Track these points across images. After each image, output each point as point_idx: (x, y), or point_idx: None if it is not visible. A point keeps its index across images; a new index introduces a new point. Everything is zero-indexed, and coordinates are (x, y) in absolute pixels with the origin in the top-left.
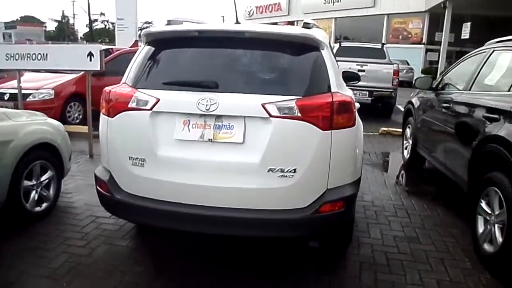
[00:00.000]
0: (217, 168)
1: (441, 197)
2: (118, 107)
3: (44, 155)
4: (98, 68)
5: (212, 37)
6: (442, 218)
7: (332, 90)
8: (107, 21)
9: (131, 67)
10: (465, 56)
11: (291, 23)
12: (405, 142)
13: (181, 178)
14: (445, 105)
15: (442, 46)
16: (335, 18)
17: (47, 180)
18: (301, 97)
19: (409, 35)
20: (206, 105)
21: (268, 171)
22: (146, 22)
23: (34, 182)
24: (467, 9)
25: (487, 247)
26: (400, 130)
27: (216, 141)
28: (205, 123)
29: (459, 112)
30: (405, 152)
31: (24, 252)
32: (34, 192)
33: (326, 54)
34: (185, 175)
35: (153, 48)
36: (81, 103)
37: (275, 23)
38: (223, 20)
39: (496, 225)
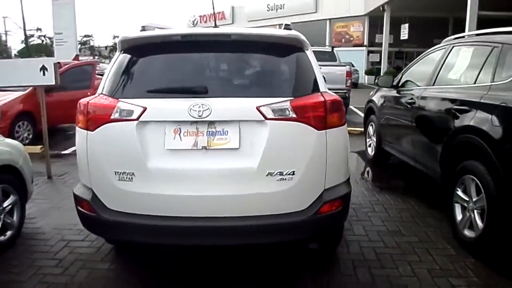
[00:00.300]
0: (214, 176)
1: (411, 190)
2: (99, 119)
3: (6, 179)
4: (53, 83)
5: (196, 41)
6: (418, 210)
7: (321, 90)
8: (44, 36)
9: (107, 76)
10: (423, 54)
11: None
12: (368, 140)
13: (176, 189)
14: (410, 101)
15: (383, 47)
16: (279, 24)
17: (10, 206)
18: (292, 98)
19: (351, 38)
20: (199, 111)
21: (267, 175)
22: (86, 36)
23: None
24: (404, 11)
25: (467, 233)
26: (358, 129)
27: (211, 148)
28: (197, 130)
29: (426, 107)
30: (369, 149)
31: None
32: None
33: (310, 54)
34: (179, 186)
35: (130, 55)
36: (30, 122)
37: None
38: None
39: (475, 211)
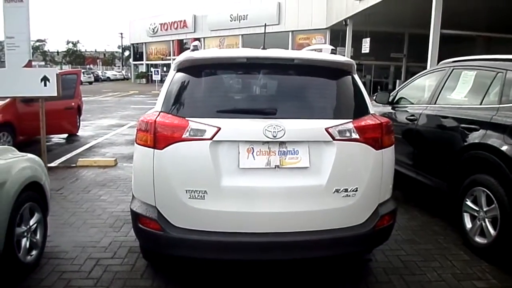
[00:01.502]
0: (286, 194)
1: (411, 200)
2: (170, 138)
3: (32, 196)
4: (55, 94)
5: (260, 63)
6: (422, 219)
7: (370, 112)
8: None
9: (167, 94)
10: (418, 74)
11: (197, 39)
12: None
13: (248, 207)
14: (410, 117)
15: None
16: (242, 34)
17: (35, 224)
18: (352, 120)
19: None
20: (273, 132)
21: (334, 192)
22: (38, 40)
23: (24, 228)
24: (365, 25)
25: (479, 239)
26: None
27: (283, 167)
28: (269, 149)
29: (429, 124)
30: None
31: None
32: (25, 239)
33: (357, 78)
34: (252, 203)
35: (191, 75)
36: (10, 133)
37: (181, 40)
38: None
39: (486, 220)
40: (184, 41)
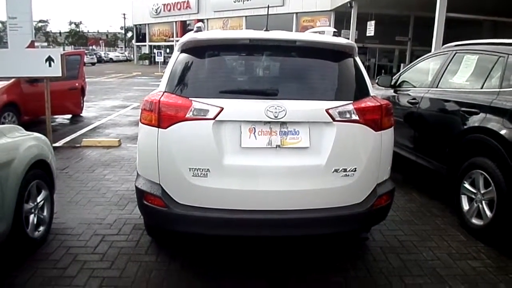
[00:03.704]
0: (286, 173)
1: (409, 182)
2: (173, 117)
3: (39, 174)
4: (60, 74)
5: (262, 45)
6: (421, 200)
7: (371, 94)
8: None
9: (171, 75)
10: (421, 58)
11: (200, 21)
12: None
13: (250, 185)
14: (412, 100)
15: None
16: (246, 16)
17: (42, 201)
18: (352, 101)
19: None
20: (275, 112)
21: (333, 171)
22: (41, 21)
23: (32, 204)
24: (370, 8)
25: (475, 221)
26: None
27: (283, 146)
28: (270, 130)
29: (430, 107)
30: None
31: (48, 285)
32: (32, 215)
33: (358, 60)
34: (253, 182)
35: (194, 56)
36: (14, 113)
37: (184, 22)
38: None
39: (483, 202)
40: (187, 22)
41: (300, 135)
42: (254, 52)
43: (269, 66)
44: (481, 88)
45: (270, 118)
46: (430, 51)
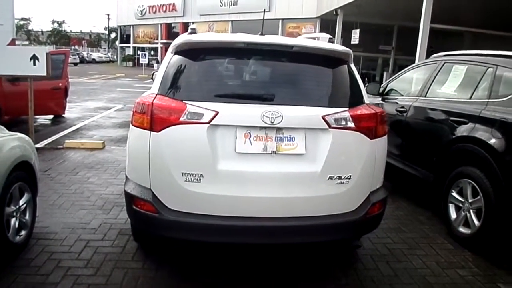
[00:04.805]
0: (281, 179)
1: (397, 190)
2: (166, 120)
3: (22, 176)
4: (44, 73)
5: (259, 49)
6: (409, 208)
7: (365, 101)
8: None
9: (164, 77)
10: (409, 67)
11: (185, 24)
12: None
13: (244, 191)
14: (400, 109)
15: None
16: (232, 21)
17: (24, 205)
18: (348, 108)
19: None
20: (271, 117)
21: (328, 179)
22: (23, 19)
23: (13, 207)
24: (355, 16)
25: (463, 230)
26: None
27: (279, 153)
28: (266, 135)
29: (418, 116)
30: None
31: None
32: (14, 219)
33: (353, 67)
34: (247, 188)
35: (188, 58)
36: None
37: (170, 24)
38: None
39: (471, 211)
40: (173, 25)
41: (296, 141)
42: (250, 56)
43: (265, 71)
44: (470, 98)
45: (266, 123)
46: (413, 60)
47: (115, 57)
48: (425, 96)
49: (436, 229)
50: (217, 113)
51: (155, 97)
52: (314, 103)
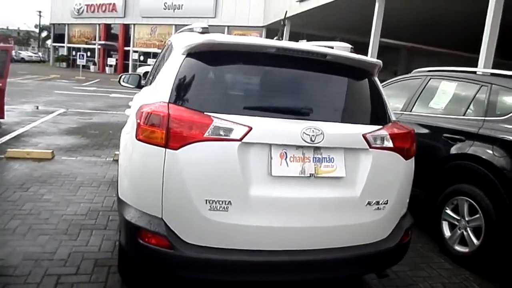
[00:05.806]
0: (319, 206)
1: None
2: (188, 136)
3: None
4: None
5: (290, 56)
6: None
7: (392, 119)
8: None
9: (176, 82)
10: (388, 81)
11: (126, 26)
12: None
13: (280, 221)
14: None
15: None
16: (176, 25)
17: None
18: (383, 126)
19: None
20: (311, 135)
21: (366, 204)
22: None
23: None
24: (302, 28)
25: (459, 248)
26: None
27: (318, 176)
28: (303, 155)
29: None
30: None
31: None
32: None
33: (377, 80)
34: (284, 217)
35: (207, 63)
36: None
37: (109, 25)
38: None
39: (468, 229)
40: (112, 25)
41: (335, 163)
42: (281, 63)
43: (298, 81)
44: (464, 115)
45: (306, 142)
46: None
47: (47, 57)
48: (410, 111)
49: (429, 248)
50: (251, 128)
51: (168, 107)
52: (352, 120)
